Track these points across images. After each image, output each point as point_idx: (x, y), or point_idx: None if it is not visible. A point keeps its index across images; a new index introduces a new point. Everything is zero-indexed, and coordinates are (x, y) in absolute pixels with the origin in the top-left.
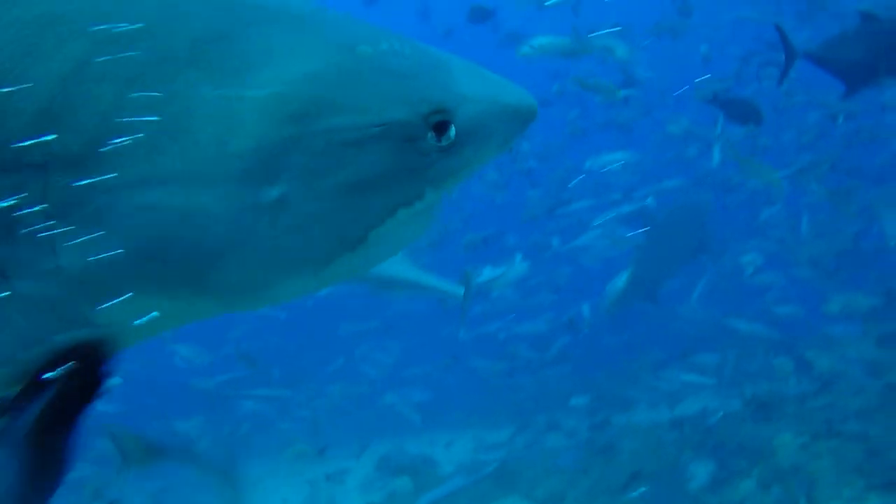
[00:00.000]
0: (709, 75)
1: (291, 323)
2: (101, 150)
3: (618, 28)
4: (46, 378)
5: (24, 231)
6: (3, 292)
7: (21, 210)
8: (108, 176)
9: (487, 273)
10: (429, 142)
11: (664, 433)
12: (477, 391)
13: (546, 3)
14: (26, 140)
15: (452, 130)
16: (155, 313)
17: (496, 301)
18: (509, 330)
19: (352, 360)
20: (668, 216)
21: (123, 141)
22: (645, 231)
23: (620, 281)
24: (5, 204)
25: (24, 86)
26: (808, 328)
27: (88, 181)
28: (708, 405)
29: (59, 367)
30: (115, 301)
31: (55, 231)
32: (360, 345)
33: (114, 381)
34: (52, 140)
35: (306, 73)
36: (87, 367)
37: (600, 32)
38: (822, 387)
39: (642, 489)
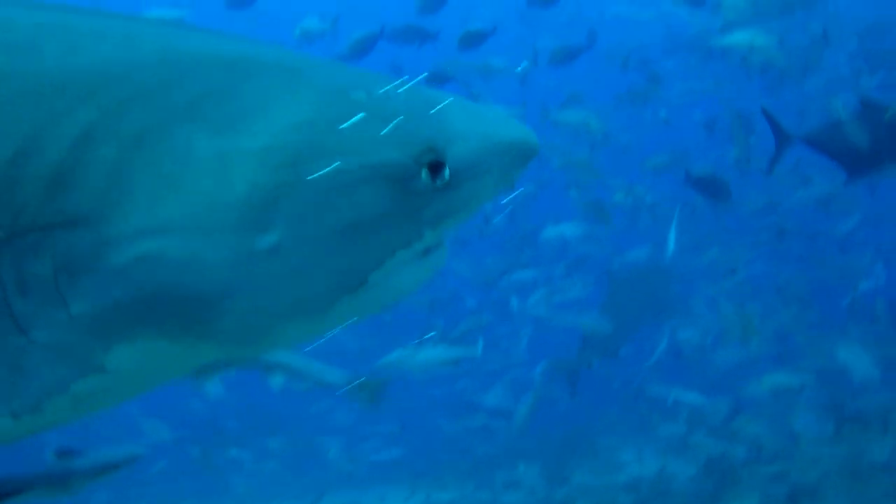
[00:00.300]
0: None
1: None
2: (106, 206)
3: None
4: None
5: (36, 286)
6: (23, 345)
7: (33, 268)
8: (112, 230)
9: (396, 355)
10: (422, 182)
11: (620, 495)
12: (436, 447)
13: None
14: (38, 203)
15: (447, 169)
16: (161, 357)
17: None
18: (472, 390)
19: (311, 415)
20: (631, 274)
21: (126, 197)
22: (608, 289)
23: (525, 405)
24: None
25: (39, 153)
26: (755, 398)
27: (93, 237)
28: (665, 467)
29: None
30: (123, 347)
31: (64, 284)
32: (321, 400)
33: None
34: (63, 200)
35: (298, 121)
36: None
37: None
38: (772, 456)
39: None
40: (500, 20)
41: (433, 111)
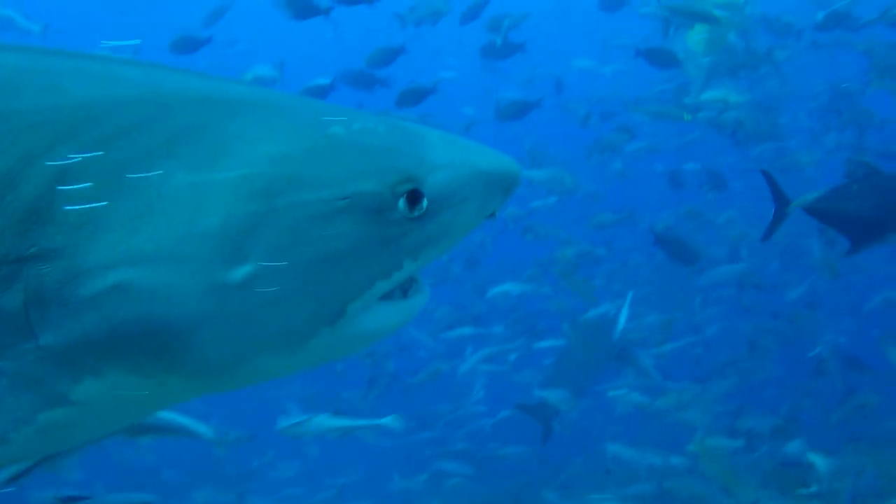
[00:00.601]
0: None
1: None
2: (80, 238)
3: None
4: None
5: (4, 317)
6: None
7: (3, 300)
8: (84, 261)
9: (285, 420)
10: (399, 212)
11: None
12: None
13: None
14: (12, 237)
15: (424, 199)
16: (130, 392)
17: (419, 412)
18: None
19: (253, 468)
20: (587, 323)
21: (100, 230)
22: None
23: None
24: None
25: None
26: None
27: (66, 268)
28: None
29: None
30: (91, 380)
31: (34, 316)
32: (273, 447)
33: None
34: (37, 234)
35: (275, 154)
36: None
37: None
38: None
39: None
40: (467, 70)
41: (412, 142)
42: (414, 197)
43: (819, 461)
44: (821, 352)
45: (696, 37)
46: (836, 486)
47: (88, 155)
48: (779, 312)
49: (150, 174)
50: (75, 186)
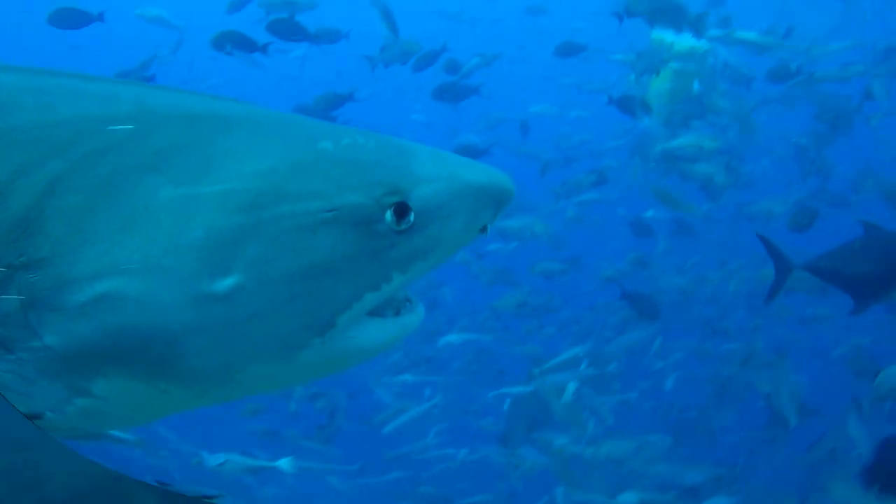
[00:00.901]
0: None
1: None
2: (67, 249)
3: None
4: None
5: (7, 317)
6: (10, 361)
7: (2, 302)
8: (72, 271)
9: (209, 459)
10: (387, 224)
11: None
12: None
13: None
14: (3, 246)
15: (411, 212)
16: (141, 397)
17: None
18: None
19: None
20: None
21: (88, 241)
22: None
23: None
24: None
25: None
26: None
27: (54, 277)
28: None
29: None
30: (101, 381)
31: (33, 319)
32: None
33: None
34: (25, 244)
35: (262, 168)
36: None
37: None
38: None
39: None
40: (434, 111)
41: (400, 157)
42: (401, 210)
43: None
44: (771, 397)
45: (659, 85)
46: None
47: (75, 170)
48: (747, 359)
49: (136, 188)
50: (62, 199)
